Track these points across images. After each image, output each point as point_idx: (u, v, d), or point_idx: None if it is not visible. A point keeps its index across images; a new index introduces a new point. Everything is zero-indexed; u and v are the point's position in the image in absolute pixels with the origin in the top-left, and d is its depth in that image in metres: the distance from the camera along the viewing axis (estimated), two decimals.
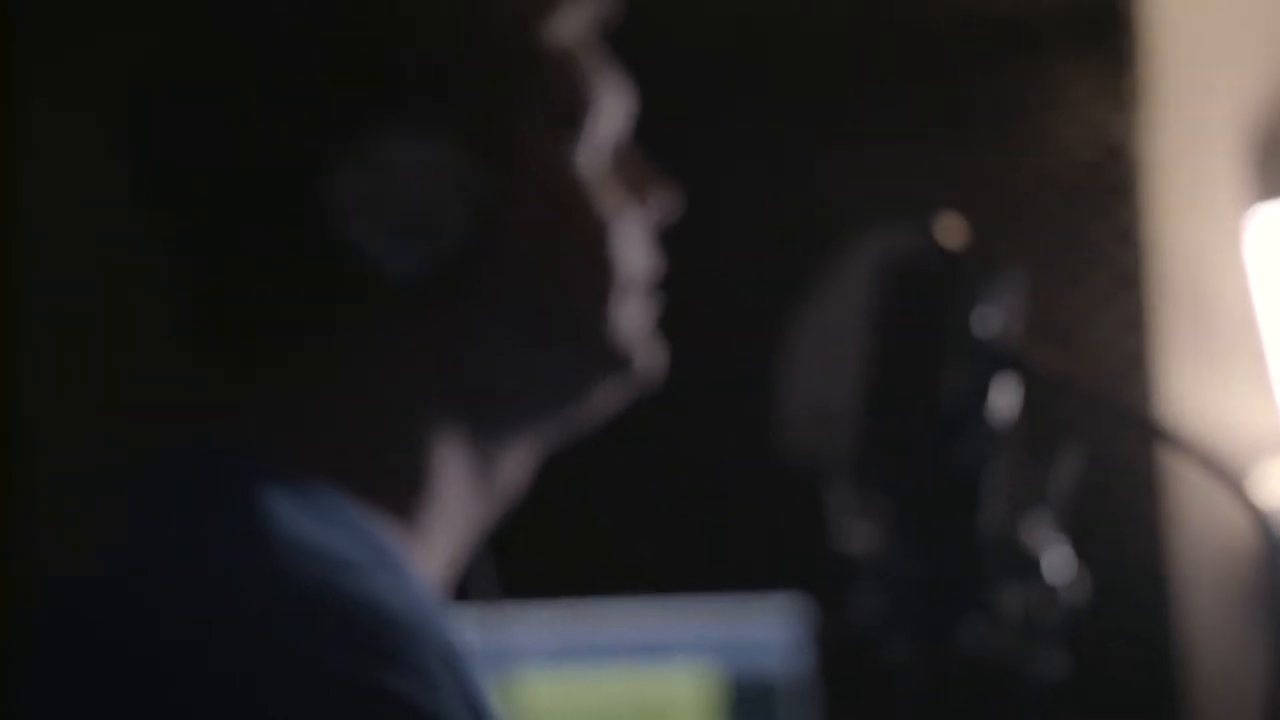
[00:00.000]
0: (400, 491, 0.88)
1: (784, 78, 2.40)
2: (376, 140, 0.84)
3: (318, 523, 0.81)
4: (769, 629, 1.90)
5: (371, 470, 0.87)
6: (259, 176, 0.86)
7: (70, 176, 2.16)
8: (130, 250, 0.89)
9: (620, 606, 2.02)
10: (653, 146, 0.97)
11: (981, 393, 0.91)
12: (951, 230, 0.92)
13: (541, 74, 0.89)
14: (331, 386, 0.87)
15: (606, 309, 0.90)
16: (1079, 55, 2.39)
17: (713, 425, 2.15)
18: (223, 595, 0.77)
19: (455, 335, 0.88)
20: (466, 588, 0.95)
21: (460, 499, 0.90)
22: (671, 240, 0.96)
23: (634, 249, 0.92)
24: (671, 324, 0.96)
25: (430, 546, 0.89)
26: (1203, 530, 2.31)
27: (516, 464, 0.92)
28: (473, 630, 0.97)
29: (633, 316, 0.92)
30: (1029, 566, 0.93)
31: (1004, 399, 0.92)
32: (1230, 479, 0.87)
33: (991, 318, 0.92)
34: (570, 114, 0.90)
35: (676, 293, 0.97)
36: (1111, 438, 1.87)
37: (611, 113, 0.92)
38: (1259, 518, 0.86)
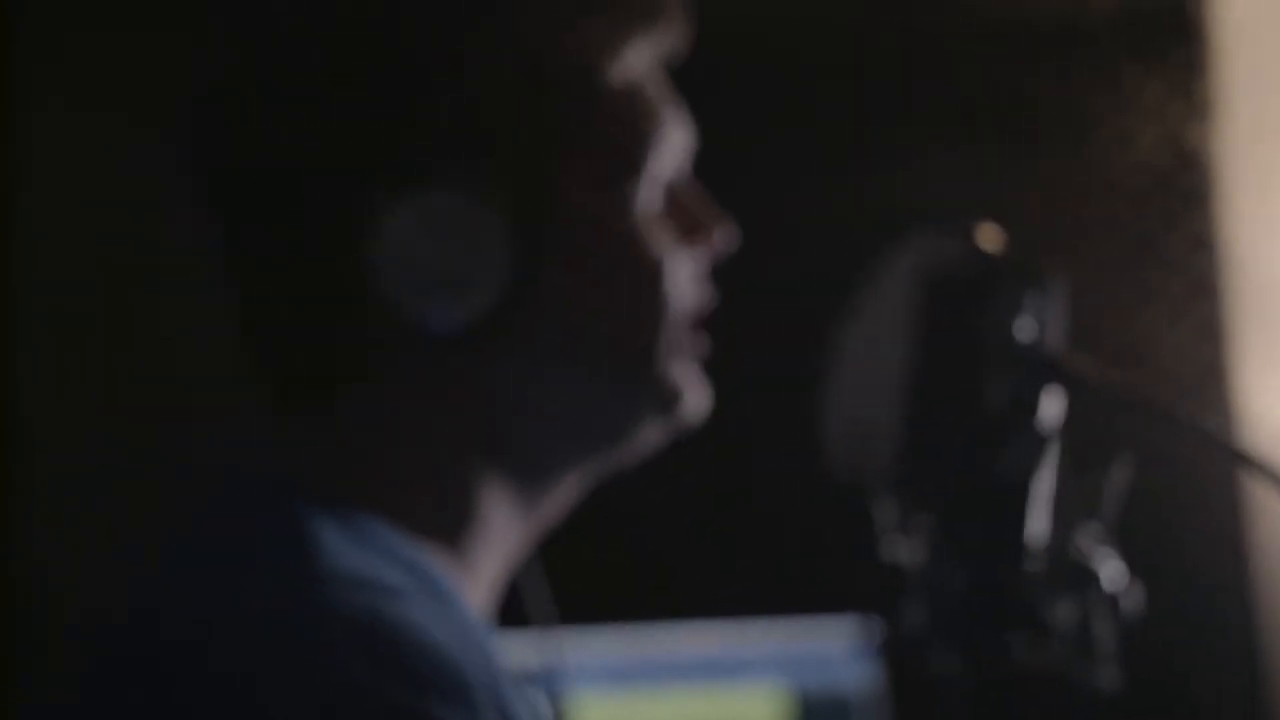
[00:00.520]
0: (447, 525, 0.88)
1: (848, 88, 2.39)
2: (415, 198, 0.84)
3: (366, 553, 0.82)
4: (837, 645, 1.91)
5: (419, 505, 0.87)
6: (304, 229, 0.86)
7: (71, 176, 2.19)
8: (130, 250, 0.89)
9: (688, 629, 2.02)
10: (709, 171, 0.97)
11: (1027, 403, 0.90)
12: (991, 238, 0.91)
13: (601, 115, 0.88)
14: (377, 427, 0.88)
15: (655, 350, 0.89)
16: (1149, 62, 2.36)
17: (771, 445, 2.15)
18: (271, 626, 0.77)
19: (498, 381, 0.87)
20: (527, 614, 0.96)
21: (505, 529, 0.90)
22: (735, 259, 0.95)
23: (686, 286, 0.91)
24: (728, 346, 0.96)
25: (477, 575, 0.90)
26: None
27: (562, 495, 0.92)
28: (533, 655, 0.98)
29: (682, 353, 0.91)
30: (1081, 579, 0.91)
31: (1051, 409, 0.91)
32: None
33: (1035, 326, 0.91)
34: (629, 153, 0.89)
35: (729, 313, 0.97)
36: (1173, 447, 1.84)
37: (673, 148, 0.91)
38: None
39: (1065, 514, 0.92)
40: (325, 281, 0.86)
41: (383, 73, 0.85)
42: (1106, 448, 0.92)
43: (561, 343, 0.88)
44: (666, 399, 0.90)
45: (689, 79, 0.95)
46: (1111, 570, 0.91)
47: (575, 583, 1.02)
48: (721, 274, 0.95)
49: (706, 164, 0.96)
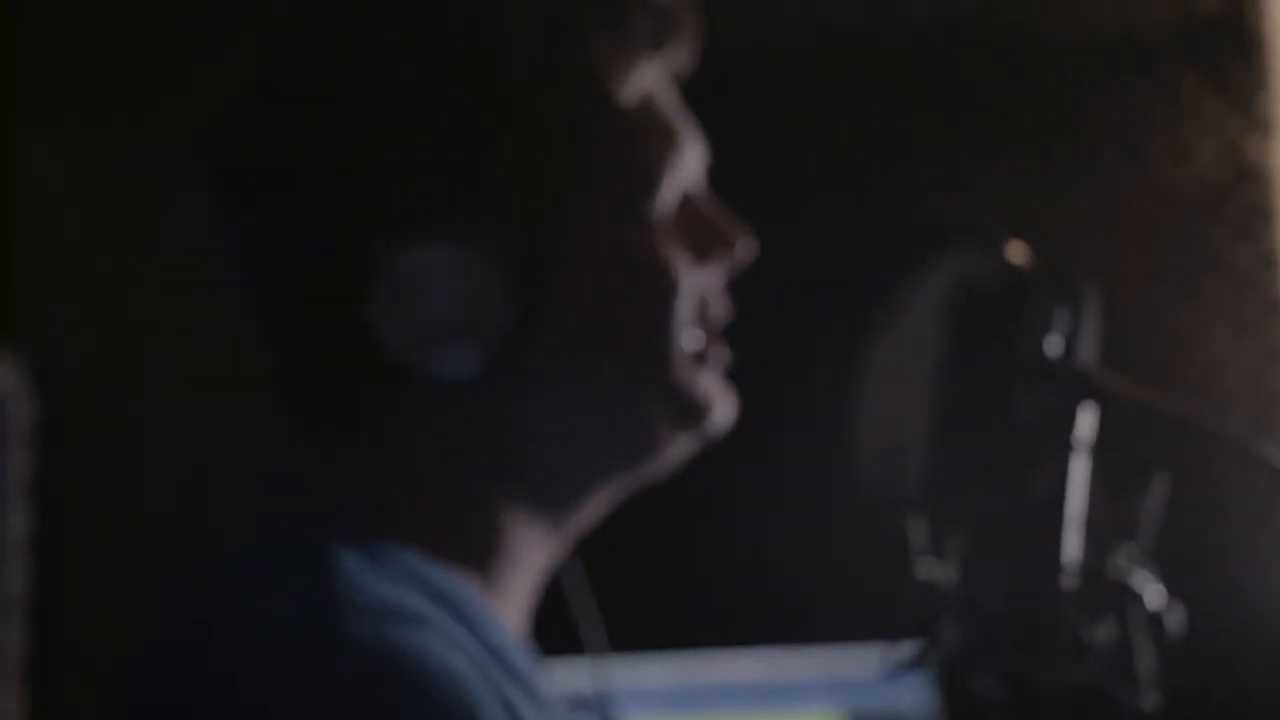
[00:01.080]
0: (476, 550, 0.88)
1: (904, 104, 2.38)
2: (420, 243, 0.84)
3: (390, 582, 0.82)
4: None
5: (447, 533, 0.88)
6: (316, 275, 0.87)
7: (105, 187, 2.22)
8: (131, 250, 0.90)
9: (742, 655, 2.01)
10: (751, 184, 0.96)
11: (1059, 420, 0.89)
12: (1021, 253, 0.90)
13: (613, 138, 0.88)
14: (401, 460, 0.88)
15: (671, 367, 0.89)
16: (1209, 76, 2.34)
17: (824, 468, 2.14)
18: (292, 655, 0.78)
19: (517, 411, 0.87)
20: (580, 641, 0.96)
21: (534, 551, 0.90)
22: (789, 278, 0.95)
23: (705, 300, 0.91)
24: (777, 370, 0.95)
25: (509, 597, 0.90)
26: None
27: (590, 511, 0.92)
28: (586, 681, 0.98)
29: (702, 367, 0.91)
30: (1120, 598, 0.90)
31: (1084, 427, 0.90)
32: None
33: (1067, 341, 0.89)
34: (642, 174, 0.89)
35: (782, 338, 0.96)
36: (1213, 464, 1.82)
37: (686, 164, 0.91)
38: None
39: (1103, 533, 0.90)
40: (341, 326, 0.86)
41: (391, 114, 0.85)
42: (1144, 465, 0.91)
43: (577, 369, 0.88)
44: (687, 413, 0.89)
45: (742, 90, 0.95)
46: (1151, 590, 0.90)
47: (632, 610, 1.02)
48: (775, 296, 0.94)
49: (751, 176, 0.96)
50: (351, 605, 0.79)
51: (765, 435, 0.94)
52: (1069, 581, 0.89)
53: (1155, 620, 0.90)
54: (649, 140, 0.89)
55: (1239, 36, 2.33)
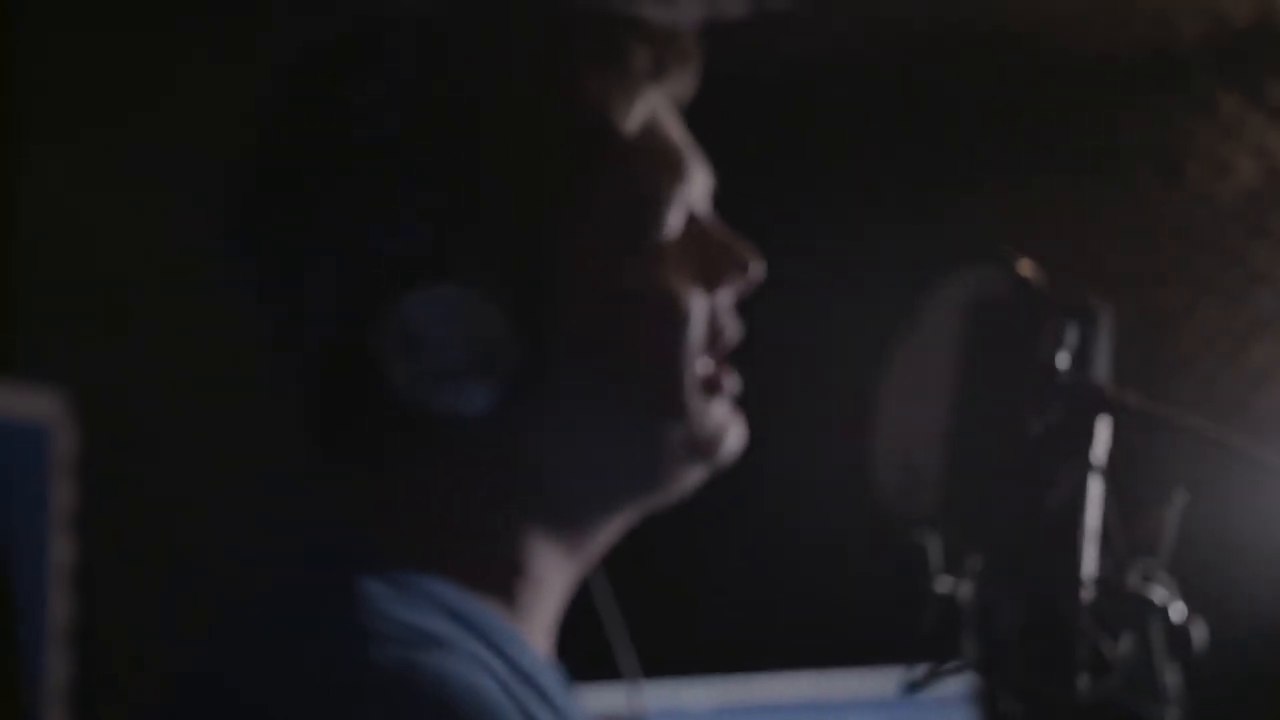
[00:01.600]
0: (498, 576, 0.89)
1: (940, 120, 2.38)
2: (424, 284, 0.85)
3: (414, 608, 0.83)
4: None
5: (469, 559, 0.88)
6: (327, 318, 0.88)
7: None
8: (172, 285, 0.91)
9: (783, 678, 2.01)
10: (778, 206, 0.96)
11: (1075, 435, 0.89)
12: (1031, 270, 0.90)
13: (617, 170, 0.88)
14: (420, 491, 0.89)
15: (682, 397, 0.89)
16: (1229, 75, 2.33)
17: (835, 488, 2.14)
18: (316, 680, 0.79)
19: (531, 442, 0.88)
20: (616, 667, 0.97)
21: (554, 575, 0.91)
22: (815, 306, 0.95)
23: (716, 324, 0.91)
24: (788, 389, 0.96)
25: (532, 620, 0.90)
26: None
27: (607, 535, 0.92)
28: (622, 706, 0.99)
29: (713, 396, 0.91)
30: (1140, 613, 0.90)
31: (1100, 442, 0.89)
32: None
33: (1081, 357, 0.89)
34: (647, 204, 0.89)
35: (810, 365, 0.96)
36: (1233, 478, 1.80)
37: (692, 188, 0.91)
38: None
39: (1121, 548, 0.90)
40: (353, 366, 0.87)
41: (394, 156, 0.86)
42: (1162, 480, 0.91)
43: (590, 402, 0.88)
44: (698, 446, 0.90)
45: (768, 107, 0.95)
46: (1171, 604, 0.90)
47: (674, 636, 1.02)
48: (803, 324, 0.95)
49: (779, 199, 0.96)
50: (378, 633, 0.80)
51: (785, 452, 0.94)
52: (1087, 596, 0.89)
53: (1175, 635, 0.90)
54: (652, 169, 0.89)
55: (1258, 35, 2.32)
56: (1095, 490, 0.89)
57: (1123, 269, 2.37)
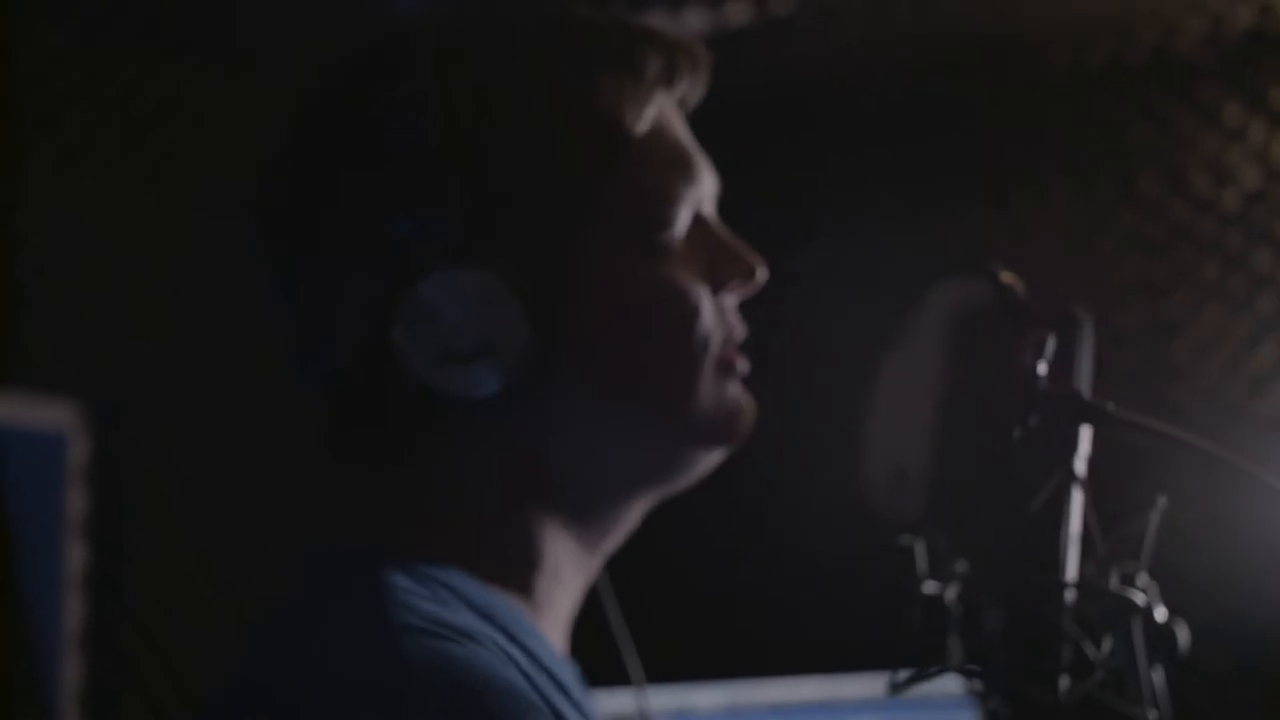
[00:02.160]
0: (517, 568, 0.91)
1: (942, 127, 2.39)
2: (440, 272, 0.87)
3: (439, 602, 0.85)
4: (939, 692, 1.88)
5: (489, 552, 0.91)
6: (342, 305, 0.90)
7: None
8: (185, 293, 0.93)
9: (791, 682, 2.02)
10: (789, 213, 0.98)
11: (1058, 442, 0.91)
12: (1015, 280, 0.92)
13: (628, 171, 0.91)
14: (440, 484, 0.92)
15: (695, 386, 0.91)
16: (1228, 78, 2.34)
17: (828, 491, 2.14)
18: (352, 675, 0.81)
19: (547, 433, 0.90)
20: (623, 673, 0.98)
21: (572, 566, 0.93)
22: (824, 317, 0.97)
23: (721, 319, 0.93)
24: (783, 393, 0.97)
25: (551, 612, 0.93)
26: None
27: (624, 525, 0.94)
28: (632, 710, 1.00)
29: (725, 379, 0.93)
30: (1123, 616, 0.91)
31: (1082, 449, 0.91)
32: None
33: (1065, 365, 0.91)
34: (657, 205, 0.91)
35: (791, 357, 0.98)
36: (1212, 483, 1.81)
37: (701, 191, 0.94)
38: None
39: (1105, 553, 0.92)
40: (374, 359, 0.89)
41: (409, 156, 0.88)
42: (1143, 486, 0.92)
43: (604, 391, 0.90)
44: (715, 432, 0.92)
45: (768, 115, 0.97)
46: (1154, 608, 0.91)
47: (681, 641, 1.04)
48: (797, 331, 0.96)
49: (776, 204, 0.98)
50: (407, 626, 0.82)
51: (785, 454, 0.96)
52: (1070, 599, 0.90)
53: (1158, 637, 0.91)
54: (663, 172, 0.92)
55: (1256, 38, 2.33)
56: (1077, 495, 0.91)
57: (1126, 275, 2.38)
